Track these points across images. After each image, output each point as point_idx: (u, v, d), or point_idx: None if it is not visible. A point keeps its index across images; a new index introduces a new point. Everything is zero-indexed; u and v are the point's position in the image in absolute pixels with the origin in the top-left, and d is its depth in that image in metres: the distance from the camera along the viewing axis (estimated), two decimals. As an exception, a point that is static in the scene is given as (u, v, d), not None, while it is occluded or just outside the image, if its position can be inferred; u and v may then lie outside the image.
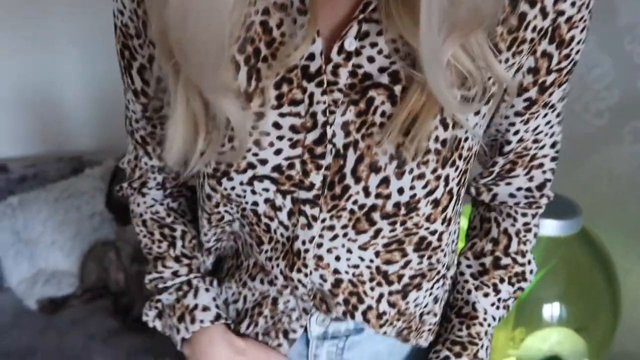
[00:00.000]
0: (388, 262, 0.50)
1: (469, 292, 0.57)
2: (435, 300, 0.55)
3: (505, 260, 0.57)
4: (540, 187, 0.54)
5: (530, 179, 0.54)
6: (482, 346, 0.55)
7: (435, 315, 0.56)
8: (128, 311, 1.47)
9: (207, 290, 0.56)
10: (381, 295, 0.51)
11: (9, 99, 1.71)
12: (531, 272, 0.58)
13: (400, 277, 0.51)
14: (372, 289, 0.51)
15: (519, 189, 0.55)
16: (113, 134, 1.90)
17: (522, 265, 0.57)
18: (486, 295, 0.56)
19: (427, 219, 0.48)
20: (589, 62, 1.11)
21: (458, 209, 0.52)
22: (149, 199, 0.60)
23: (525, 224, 0.56)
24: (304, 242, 0.48)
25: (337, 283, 0.50)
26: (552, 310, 0.93)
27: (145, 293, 1.56)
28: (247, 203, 0.48)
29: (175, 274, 0.57)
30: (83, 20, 1.71)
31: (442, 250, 0.52)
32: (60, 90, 1.78)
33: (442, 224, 0.49)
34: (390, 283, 0.51)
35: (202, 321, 0.54)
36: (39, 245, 1.58)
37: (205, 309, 0.55)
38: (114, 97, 1.87)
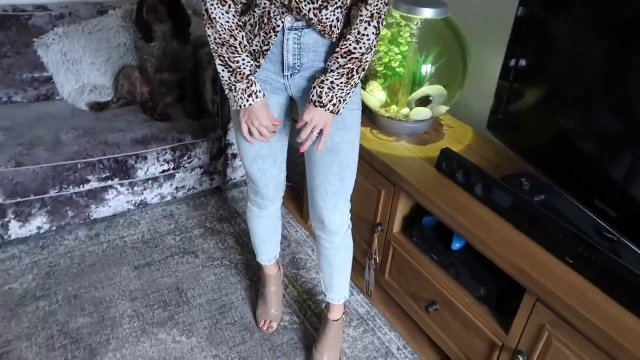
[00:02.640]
0: None
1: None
2: (338, 20, 1.11)
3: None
4: None
5: None
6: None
7: (338, 29, 1.12)
8: (154, 110, 2.06)
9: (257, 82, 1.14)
10: (310, 10, 1.07)
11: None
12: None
13: (316, 1, 1.05)
14: (305, 6, 1.06)
15: None
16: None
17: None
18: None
19: None
20: None
21: None
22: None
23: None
24: None
25: (289, 2, 1.05)
26: (427, 69, 1.53)
27: (165, 99, 2.15)
28: None
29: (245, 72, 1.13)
30: None
31: None
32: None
33: None
34: (313, 3, 1.06)
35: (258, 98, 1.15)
36: (82, 65, 2.12)
37: (260, 92, 1.15)
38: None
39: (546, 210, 1.23)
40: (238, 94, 1.15)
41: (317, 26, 1.08)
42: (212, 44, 1.12)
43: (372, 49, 1.10)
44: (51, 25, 2.08)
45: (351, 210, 1.36)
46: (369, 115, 1.73)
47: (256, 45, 1.13)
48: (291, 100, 1.28)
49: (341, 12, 1.10)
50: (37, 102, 2.11)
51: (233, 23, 1.09)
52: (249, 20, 1.12)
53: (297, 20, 1.09)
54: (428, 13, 1.47)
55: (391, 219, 1.58)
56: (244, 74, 1.13)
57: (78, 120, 1.97)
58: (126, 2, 2.23)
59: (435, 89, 1.56)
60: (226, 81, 1.15)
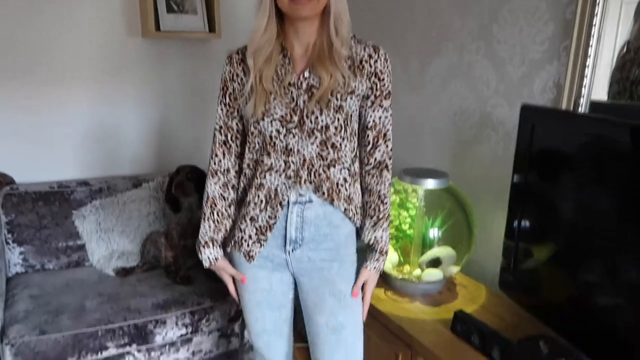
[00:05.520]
0: (322, 151, 1.20)
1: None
2: (345, 180, 1.24)
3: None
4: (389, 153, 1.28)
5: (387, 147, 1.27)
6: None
7: (346, 190, 1.24)
8: (176, 274, 2.15)
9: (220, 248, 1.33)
10: (320, 165, 1.20)
11: (90, 137, 2.46)
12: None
13: (326, 158, 1.20)
14: (317, 161, 1.20)
15: (382, 154, 1.27)
16: (160, 160, 2.65)
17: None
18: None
19: (334, 134, 1.19)
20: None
21: (347, 136, 1.22)
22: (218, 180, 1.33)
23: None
24: (292, 145, 1.18)
25: (303, 162, 1.20)
26: (434, 233, 1.62)
27: (187, 264, 2.27)
28: (268, 131, 1.19)
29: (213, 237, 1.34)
30: (144, 82, 2.50)
31: (344, 152, 1.21)
32: (124, 131, 2.54)
33: (342, 139, 1.20)
34: (323, 159, 1.20)
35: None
36: (114, 233, 2.28)
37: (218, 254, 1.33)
38: (161, 135, 2.64)
39: (568, 375, 1.20)
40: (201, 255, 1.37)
41: (326, 183, 1.20)
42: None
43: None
44: (90, 198, 2.30)
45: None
46: (382, 277, 1.78)
47: (262, 220, 1.24)
48: (293, 277, 1.34)
49: (348, 174, 1.23)
50: (67, 268, 2.23)
51: (217, 192, 1.33)
52: (253, 199, 1.25)
53: (300, 195, 1.21)
54: (430, 184, 1.61)
55: (411, 385, 1.53)
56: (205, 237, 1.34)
57: (104, 286, 2.05)
58: (159, 175, 2.48)
59: (444, 251, 1.64)
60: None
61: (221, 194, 1.32)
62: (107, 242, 2.27)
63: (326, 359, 1.26)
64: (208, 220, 1.33)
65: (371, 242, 1.29)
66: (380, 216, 1.28)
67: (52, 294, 1.96)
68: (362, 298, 1.31)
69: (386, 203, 1.28)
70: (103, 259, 2.25)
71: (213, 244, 1.32)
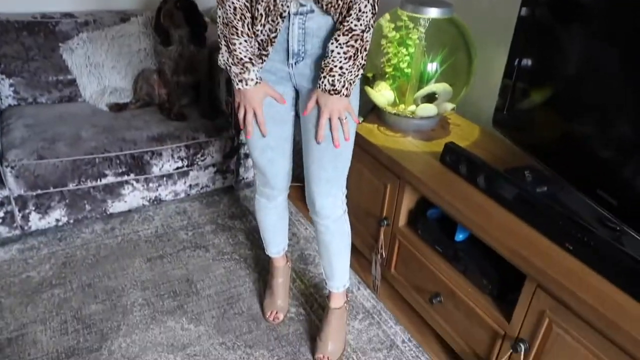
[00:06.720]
0: None
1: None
2: None
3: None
4: None
5: None
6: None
7: (345, 3, 1.13)
8: (170, 110, 2.14)
9: (254, 69, 1.19)
10: None
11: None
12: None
13: None
14: None
15: None
16: (148, -6, 2.47)
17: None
18: None
19: None
20: None
21: None
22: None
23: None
24: None
25: None
26: (432, 67, 1.57)
27: (181, 100, 2.23)
28: None
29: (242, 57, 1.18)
30: None
31: None
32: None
33: None
34: None
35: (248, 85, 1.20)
36: (104, 69, 2.22)
37: (252, 80, 1.19)
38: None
39: (547, 200, 1.24)
40: (231, 75, 1.22)
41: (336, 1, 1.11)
42: (220, 24, 1.18)
43: (370, 27, 1.14)
44: (76, 31, 2.19)
45: (355, 205, 1.40)
46: (376, 113, 1.78)
47: (263, 34, 1.18)
48: (296, 92, 1.33)
49: None
50: (60, 103, 2.21)
51: (243, 2, 1.14)
52: (254, 13, 1.17)
53: (301, 5, 1.13)
54: (433, 12, 1.52)
55: (396, 213, 1.61)
56: (239, 57, 1.18)
57: (98, 119, 2.05)
58: (147, 10, 2.34)
59: (440, 87, 1.60)
60: (224, 61, 1.21)
61: (246, 4, 1.15)
62: (98, 77, 2.22)
63: (315, 163, 1.31)
64: (241, 35, 1.17)
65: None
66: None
67: (47, 124, 1.97)
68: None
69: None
70: (95, 94, 2.21)
71: (254, 63, 1.20)
